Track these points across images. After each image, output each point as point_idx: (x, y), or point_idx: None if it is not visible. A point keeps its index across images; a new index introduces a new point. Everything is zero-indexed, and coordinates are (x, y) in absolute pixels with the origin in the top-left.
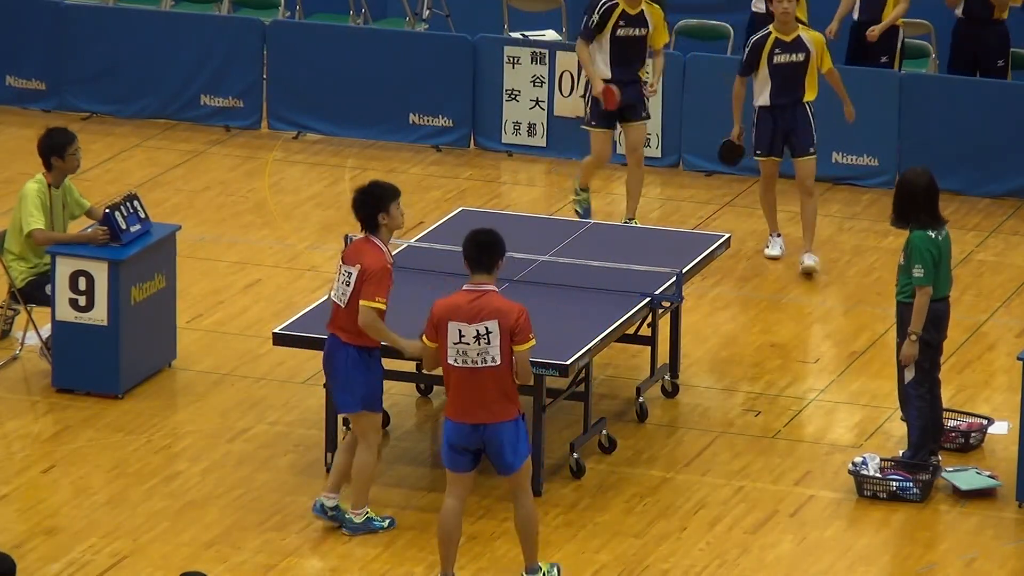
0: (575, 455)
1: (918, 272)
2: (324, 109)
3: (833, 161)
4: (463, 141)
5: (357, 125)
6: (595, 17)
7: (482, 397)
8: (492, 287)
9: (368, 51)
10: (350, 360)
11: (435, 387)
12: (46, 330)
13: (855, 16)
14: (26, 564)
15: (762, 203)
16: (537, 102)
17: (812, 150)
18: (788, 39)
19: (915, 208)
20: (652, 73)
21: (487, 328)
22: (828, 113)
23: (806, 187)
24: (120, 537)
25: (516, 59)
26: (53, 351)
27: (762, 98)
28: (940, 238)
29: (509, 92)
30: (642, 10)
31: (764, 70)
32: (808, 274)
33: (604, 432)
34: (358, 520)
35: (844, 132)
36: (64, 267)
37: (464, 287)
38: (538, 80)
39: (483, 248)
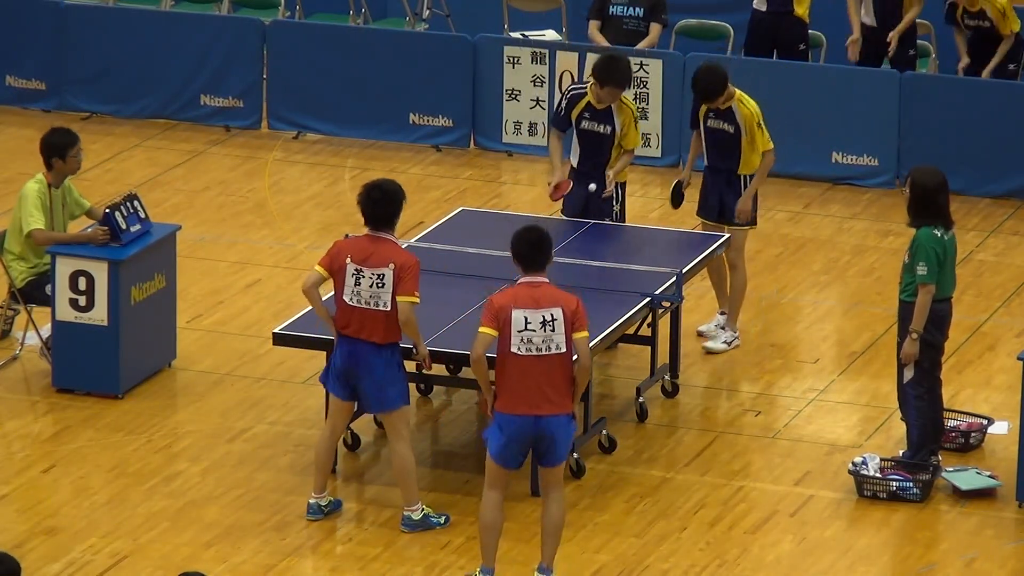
0: (575, 455)
1: (922, 270)
2: (324, 109)
3: (833, 161)
4: (463, 141)
5: (357, 125)
6: (562, 104)
7: (544, 387)
8: (546, 280)
9: (368, 51)
10: (387, 360)
11: (435, 387)
12: (46, 330)
13: (867, 22)
14: (26, 564)
15: (708, 272)
16: (537, 102)
17: (737, 222)
18: (721, 107)
19: (933, 207)
20: (612, 171)
21: (552, 315)
22: (828, 112)
23: (729, 258)
24: (120, 537)
25: (516, 59)
26: (53, 351)
27: (705, 157)
28: (946, 238)
29: (509, 92)
30: (610, 107)
31: (702, 130)
32: (709, 353)
33: (604, 432)
34: (416, 517)
35: (844, 132)
36: (64, 267)
37: (519, 281)
38: (538, 80)
39: (535, 246)
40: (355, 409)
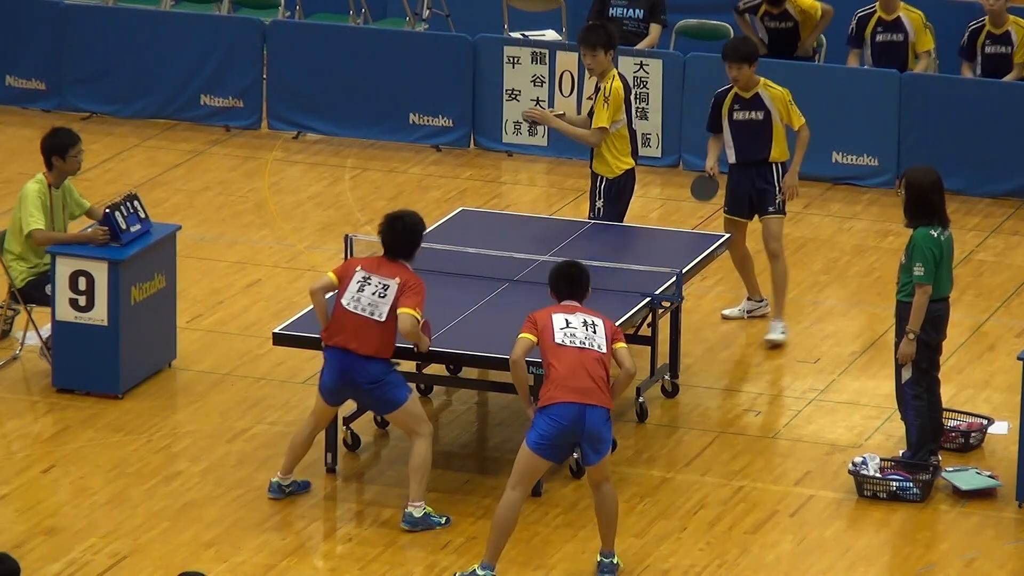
0: (575, 455)
1: (919, 270)
2: (324, 109)
3: (833, 161)
4: (463, 141)
5: (357, 125)
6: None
7: (590, 377)
8: (581, 307)
9: (368, 51)
10: (380, 369)
11: (435, 387)
12: (46, 330)
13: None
14: (26, 564)
15: (735, 266)
16: (537, 102)
17: (771, 209)
18: (747, 95)
19: (927, 206)
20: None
21: (593, 321)
22: (828, 112)
23: (770, 248)
24: (120, 537)
25: (516, 59)
26: (53, 351)
27: (729, 155)
28: (943, 238)
29: (509, 92)
30: (598, 84)
31: (726, 127)
32: (774, 347)
33: None
34: (418, 515)
35: (844, 132)
36: (64, 267)
37: (559, 305)
38: (538, 80)
39: (572, 280)
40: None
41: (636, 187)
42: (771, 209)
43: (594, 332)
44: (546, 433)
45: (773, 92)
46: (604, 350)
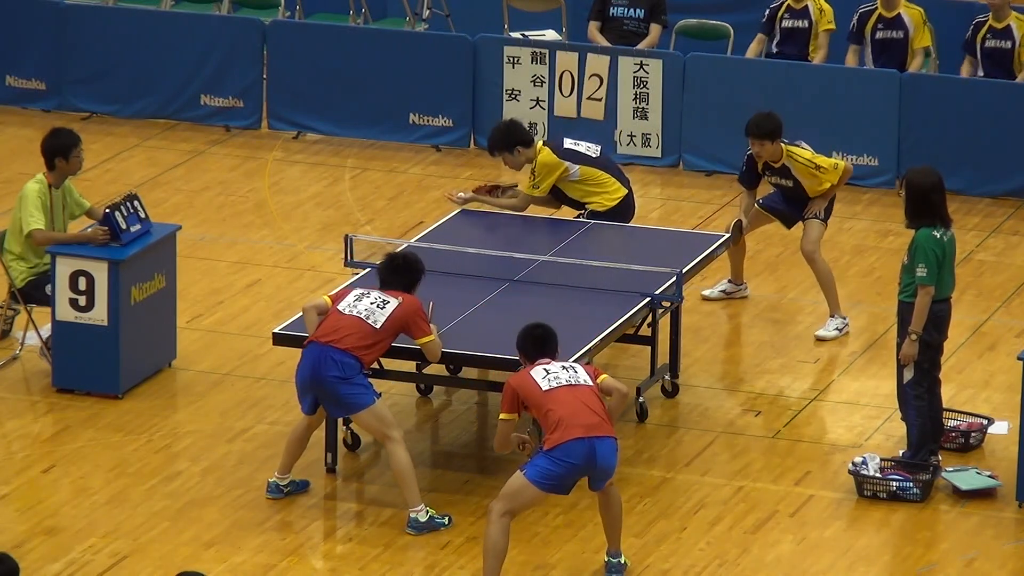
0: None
1: (921, 271)
2: (324, 109)
3: None
4: (463, 141)
5: (357, 125)
6: None
7: (592, 411)
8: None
9: (368, 51)
10: (347, 365)
11: (435, 387)
12: (46, 330)
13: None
14: (26, 564)
15: (728, 250)
16: (538, 102)
17: (808, 216)
18: (776, 165)
19: (928, 207)
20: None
21: (572, 364)
22: (828, 112)
23: (804, 251)
24: (120, 537)
25: (516, 59)
26: (53, 351)
27: None
28: (945, 238)
29: (509, 92)
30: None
31: (767, 182)
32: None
33: None
34: (423, 519)
35: (844, 132)
36: (64, 267)
37: (532, 364)
38: (538, 80)
39: (541, 342)
40: (325, 415)
41: (636, 188)
42: (807, 216)
43: (575, 372)
44: (555, 473)
45: (797, 166)
46: (591, 383)
